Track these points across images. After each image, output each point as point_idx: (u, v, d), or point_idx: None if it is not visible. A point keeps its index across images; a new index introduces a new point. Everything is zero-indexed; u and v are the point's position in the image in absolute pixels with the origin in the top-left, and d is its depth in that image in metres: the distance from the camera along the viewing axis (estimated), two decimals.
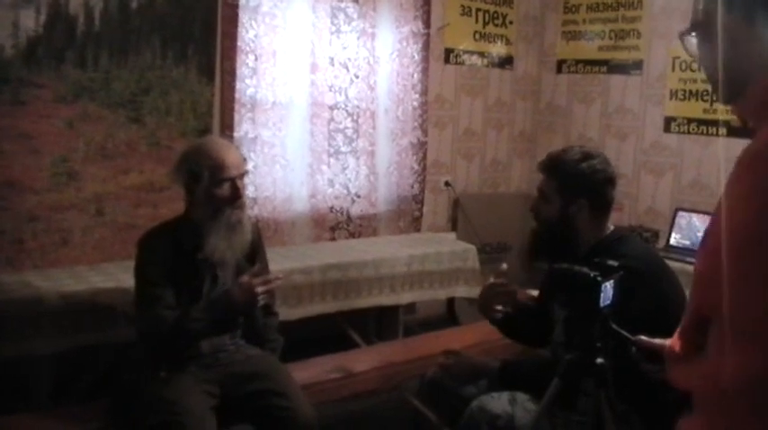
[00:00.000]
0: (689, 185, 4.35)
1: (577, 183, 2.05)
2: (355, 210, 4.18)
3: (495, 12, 4.80)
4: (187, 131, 3.42)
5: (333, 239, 4.09)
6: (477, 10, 4.69)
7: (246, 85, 3.64)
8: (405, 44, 4.29)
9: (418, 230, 4.46)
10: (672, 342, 1.14)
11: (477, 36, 4.73)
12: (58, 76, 3.04)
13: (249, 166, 3.49)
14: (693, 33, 1.08)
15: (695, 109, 4.28)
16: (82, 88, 3.11)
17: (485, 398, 2.13)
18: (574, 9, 4.92)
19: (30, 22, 2.94)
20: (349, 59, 4.05)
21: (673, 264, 2.22)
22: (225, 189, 2.25)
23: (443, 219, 4.71)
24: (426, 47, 4.38)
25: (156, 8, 3.29)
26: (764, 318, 0.89)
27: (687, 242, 4.03)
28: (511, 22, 4.91)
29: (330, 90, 3.99)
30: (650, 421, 1.89)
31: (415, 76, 4.36)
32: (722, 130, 4.09)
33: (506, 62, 4.94)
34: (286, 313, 3.01)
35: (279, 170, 3.82)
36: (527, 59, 5.08)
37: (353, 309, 3.56)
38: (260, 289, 2.19)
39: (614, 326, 1.63)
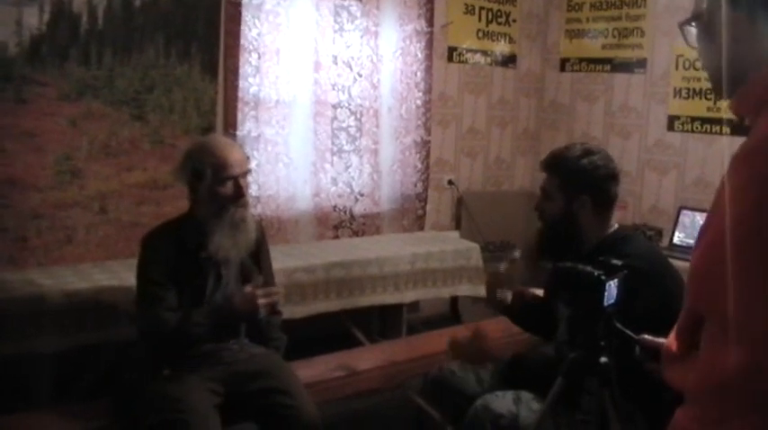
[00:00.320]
0: (692, 184, 4.34)
1: (579, 180, 2.06)
2: (358, 209, 4.17)
3: (499, 10, 4.79)
4: (190, 129, 3.42)
5: (336, 238, 4.09)
6: (481, 8, 4.68)
7: (249, 84, 3.64)
8: (408, 42, 4.28)
9: (422, 229, 4.45)
10: (668, 342, 1.14)
11: (481, 34, 4.72)
12: (61, 74, 3.04)
13: (252, 165, 3.50)
14: (693, 24, 1.08)
15: (699, 107, 4.27)
16: (85, 86, 3.11)
17: (489, 397, 2.13)
18: (577, 7, 4.91)
19: (33, 19, 2.94)
20: (352, 58, 4.04)
21: (676, 263, 2.21)
22: (228, 187, 2.26)
23: (447, 218, 4.70)
24: (430, 45, 4.37)
25: (159, 6, 3.29)
26: (762, 309, 0.89)
27: (691, 240, 4.00)
28: (514, 21, 4.90)
29: (333, 88, 3.99)
30: (654, 420, 1.88)
31: (419, 74, 4.35)
32: (726, 129, 4.08)
33: (510, 60, 4.93)
34: (289, 311, 3.02)
35: (282, 168, 3.82)
36: (530, 57, 5.07)
37: (357, 308, 3.55)
38: (262, 300, 2.21)
39: (618, 325, 1.63)
